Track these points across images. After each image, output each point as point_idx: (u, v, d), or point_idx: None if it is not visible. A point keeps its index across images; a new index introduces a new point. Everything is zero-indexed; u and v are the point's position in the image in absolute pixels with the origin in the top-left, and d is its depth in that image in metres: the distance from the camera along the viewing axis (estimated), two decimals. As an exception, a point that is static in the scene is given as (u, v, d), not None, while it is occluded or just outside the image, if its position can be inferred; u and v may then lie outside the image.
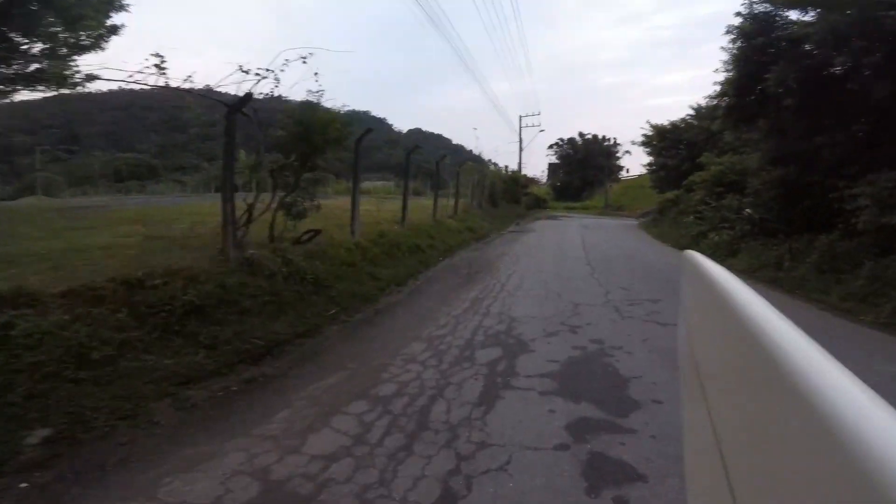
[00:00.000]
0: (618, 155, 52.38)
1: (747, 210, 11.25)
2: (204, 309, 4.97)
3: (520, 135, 39.57)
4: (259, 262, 5.85)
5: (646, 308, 6.10)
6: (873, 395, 0.32)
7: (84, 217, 9.59)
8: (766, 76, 7.80)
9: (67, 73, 9.09)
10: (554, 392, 3.43)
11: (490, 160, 34.69)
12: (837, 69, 6.76)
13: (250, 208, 6.21)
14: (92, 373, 3.49)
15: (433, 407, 3.32)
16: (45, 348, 3.42)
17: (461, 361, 4.14)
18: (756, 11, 8.75)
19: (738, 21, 9.09)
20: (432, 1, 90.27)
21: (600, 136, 53.60)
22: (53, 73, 8.94)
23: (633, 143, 25.42)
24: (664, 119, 23.45)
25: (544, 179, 58.22)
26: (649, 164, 25.78)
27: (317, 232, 7.32)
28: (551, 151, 56.78)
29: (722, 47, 9.62)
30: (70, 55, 9.27)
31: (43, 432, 2.87)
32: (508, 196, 31.09)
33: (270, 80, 5.98)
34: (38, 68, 8.97)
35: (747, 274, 9.12)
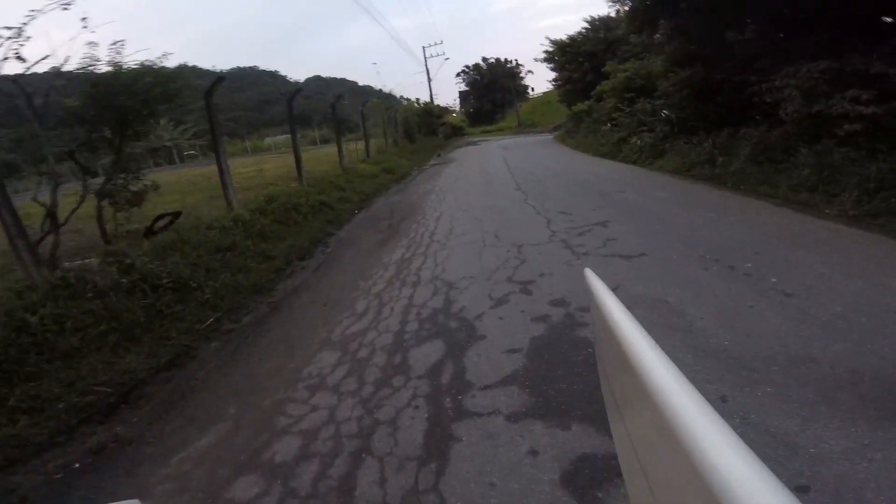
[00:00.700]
0: (521, 75, 53.48)
1: (664, 111, 10.79)
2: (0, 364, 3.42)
3: (426, 65, 38.75)
4: (82, 279, 4.05)
5: (598, 235, 5.23)
6: (714, 417, 0.41)
7: None
8: None
9: None
10: (528, 412, 2.36)
11: (401, 96, 32.64)
12: None
13: (50, 209, 4.24)
14: None
15: (358, 477, 2.14)
16: None
17: (391, 377, 2.94)
18: None
19: None
20: None
21: (503, 59, 53.99)
22: None
23: (536, 60, 26.17)
24: (561, 35, 23.65)
25: (458, 108, 57.42)
26: (555, 80, 25.72)
27: (174, 215, 5.52)
28: (459, 80, 56.80)
29: None
30: None
31: None
32: (425, 129, 29.42)
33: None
34: None
35: (681, 173, 8.71)
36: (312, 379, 3.08)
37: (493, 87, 52.95)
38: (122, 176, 4.95)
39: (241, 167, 13.64)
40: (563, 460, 2.00)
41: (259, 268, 5.68)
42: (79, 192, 4.72)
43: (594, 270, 0.87)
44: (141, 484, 2.47)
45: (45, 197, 4.32)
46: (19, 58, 4.03)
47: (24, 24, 4.05)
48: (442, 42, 58.43)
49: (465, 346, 3.16)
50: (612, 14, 19.59)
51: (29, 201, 4.48)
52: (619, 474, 2.06)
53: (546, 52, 24.06)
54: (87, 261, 4.45)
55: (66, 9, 4.31)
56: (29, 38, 4.06)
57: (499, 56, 55.91)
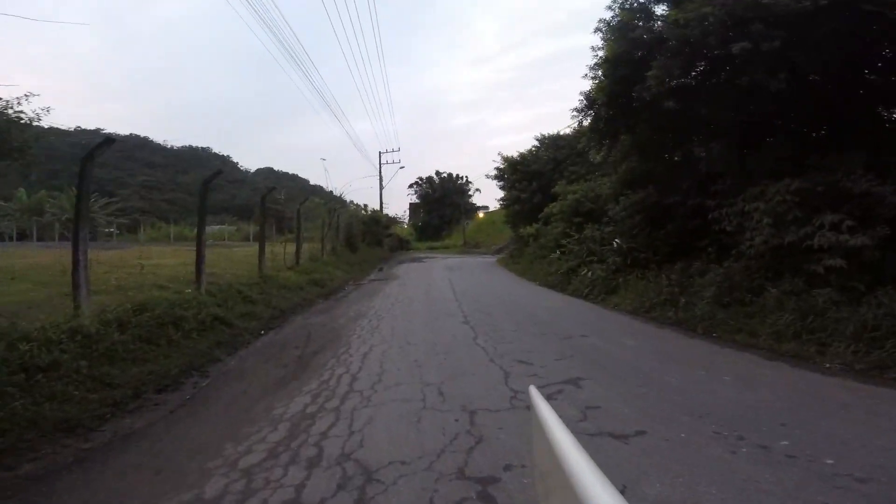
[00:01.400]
0: (470, 193, 54.48)
1: (616, 241, 10.56)
2: None
3: (380, 171, 37.74)
4: None
5: (573, 400, 3.93)
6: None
7: None
8: (648, 73, 6.75)
9: None
10: None
11: (352, 201, 31.93)
12: (735, 53, 5.87)
13: None
14: None
15: None
16: None
17: None
18: (630, 3, 7.82)
19: (609, 15, 8.09)
20: (289, 34, 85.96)
21: (455, 175, 54.99)
22: None
23: (487, 176, 24.98)
24: (513, 152, 23.27)
25: (407, 219, 57.58)
26: (503, 199, 25.56)
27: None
28: (412, 191, 56.76)
29: (591, 47, 8.63)
30: None
31: None
32: (370, 238, 28.53)
33: None
34: None
35: (640, 315, 7.94)
36: None
37: (443, 201, 52.90)
38: None
39: (142, 258, 11.54)
40: None
41: (87, 398, 3.88)
42: None
43: None
44: None
45: None
46: None
47: None
48: (399, 149, 58.75)
49: None
50: (569, 130, 20.05)
51: None
52: None
53: (497, 168, 23.65)
54: None
55: None
56: None
57: (451, 171, 56.24)
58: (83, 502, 2.68)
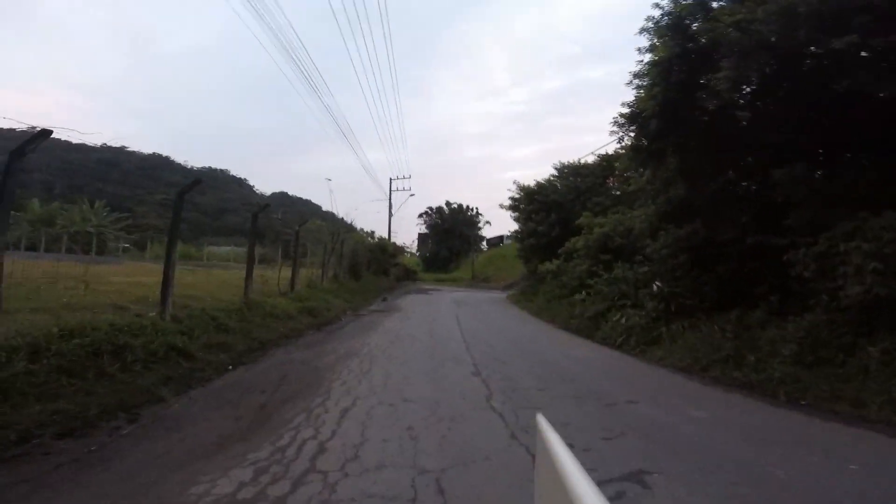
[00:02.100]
0: (479, 225, 53.78)
1: (657, 283, 9.15)
2: None
3: (389, 198, 36.90)
4: None
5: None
6: None
7: None
8: (717, 75, 5.57)
9: None
10: None
11: (361, 228, 31.05)
12: (837, 49, 4.69)
13: None
14: None
15: None
16: None
17: None
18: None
19: (657, 13, 6.91)
20: (309, 64, 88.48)
21: (465, 206, 54.28)
22: None
23: (501, 206, 23.07)
24: (529, 181, 21.42)
25: (415, 249, 56.61)
26: (516, 233, 23.97)
27: None
28: (421, 221, 56.04)
29: (638, 49, 7.46)
30: None
31: None
32: (376, 266, 27.25)
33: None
34: None
35: (695, 373, 6.47)
36: None
37: (451, 233, 52.10)
38: None
39: (121, 276, 10.41)
40: None
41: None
42: None
43: None
44: None
45: None
46: None
47: None
48: (410, 176, 57.64)
49: None
50: (591, 158, 18.99)
51: None
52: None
53: (512, 198, 21.75)
54: None
55: None
56: None
57: (461, 202, 55.14)
58: None
